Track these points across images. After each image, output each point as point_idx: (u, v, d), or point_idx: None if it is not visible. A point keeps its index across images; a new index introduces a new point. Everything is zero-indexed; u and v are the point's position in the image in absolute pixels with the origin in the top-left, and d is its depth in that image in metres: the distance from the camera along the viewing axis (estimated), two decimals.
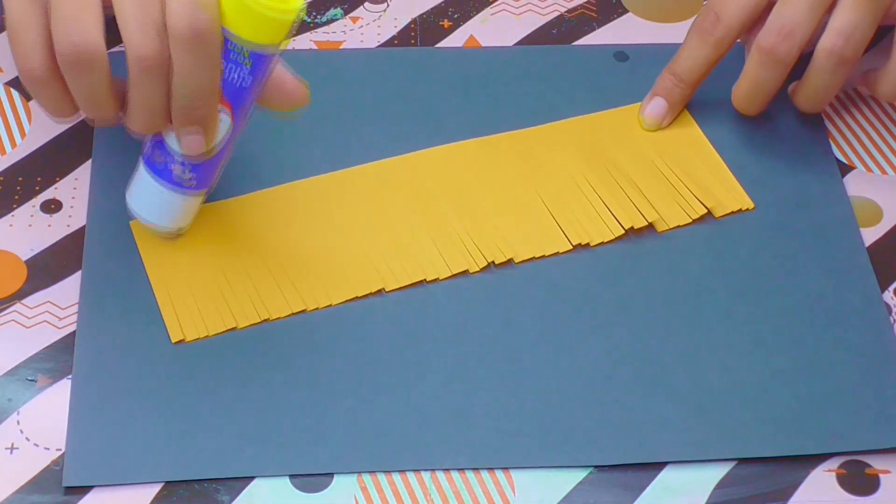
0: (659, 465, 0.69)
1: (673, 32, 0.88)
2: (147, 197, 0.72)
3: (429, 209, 0.77)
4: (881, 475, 0.69)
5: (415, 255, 0.75)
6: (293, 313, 0.73)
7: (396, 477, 0.69)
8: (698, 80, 0.81)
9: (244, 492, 0.68)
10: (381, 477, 0.68)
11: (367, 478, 0.68)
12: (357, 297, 0.74)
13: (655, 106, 0.82)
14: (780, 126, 0.82)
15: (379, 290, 0.74)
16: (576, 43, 0.87)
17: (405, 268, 0.75)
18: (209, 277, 0.74)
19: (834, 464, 0.70)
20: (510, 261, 0.76)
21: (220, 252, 0.75)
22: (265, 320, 0.72)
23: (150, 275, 0.74)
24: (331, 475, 0.68)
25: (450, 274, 0.75)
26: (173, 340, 0.72)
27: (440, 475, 0.69)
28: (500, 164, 0.79)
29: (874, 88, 0.80)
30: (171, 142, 0.70)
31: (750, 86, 0.79)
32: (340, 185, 0.78)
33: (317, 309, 0.73)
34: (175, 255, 0.75)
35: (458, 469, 0.69)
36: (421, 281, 0.74)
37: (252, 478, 0.68)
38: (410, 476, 0.69)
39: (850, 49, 0.76)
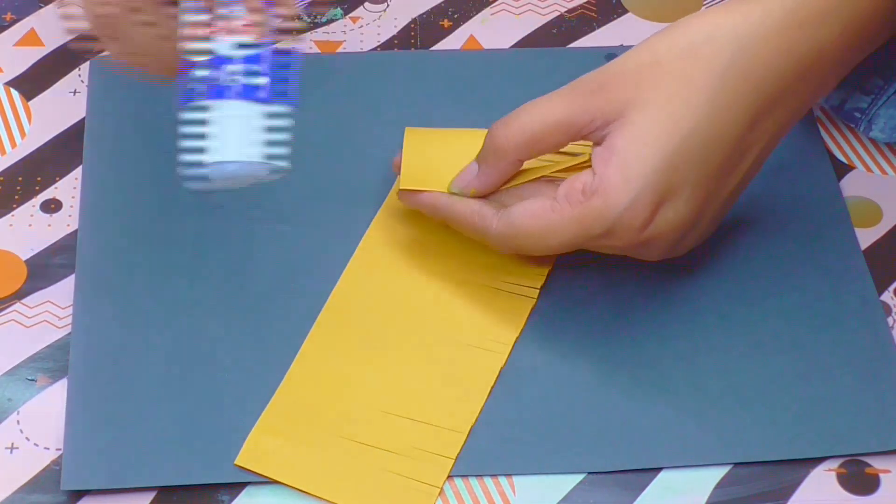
0: (659, 467, 0.69)
1: None
2: (234, 130, 0.66)
3: (408, 339, 0.73)
4: (881, 475, 0.69)
5: (453, 386, 0.72)
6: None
7: None
8: None
9: (244, 491, 0.68)
10: None
11: None
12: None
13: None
14: None
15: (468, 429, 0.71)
16: (576, 43, 0.87)
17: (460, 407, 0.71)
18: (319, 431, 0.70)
19: (834, 463, 0.70)
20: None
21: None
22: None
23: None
24: None
25: (494, 380, 0.72)
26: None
27: None
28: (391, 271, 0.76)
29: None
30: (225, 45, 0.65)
31: None
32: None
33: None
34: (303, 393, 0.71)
35: (459, 476, 0.69)
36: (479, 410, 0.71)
37: None
38: None
39: None
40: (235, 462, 0.68)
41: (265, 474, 0.68)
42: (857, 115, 0.81)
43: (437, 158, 0.74)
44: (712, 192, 0.69)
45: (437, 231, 0.75)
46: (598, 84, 0.69)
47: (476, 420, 0.70)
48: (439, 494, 0.68)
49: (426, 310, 0.74)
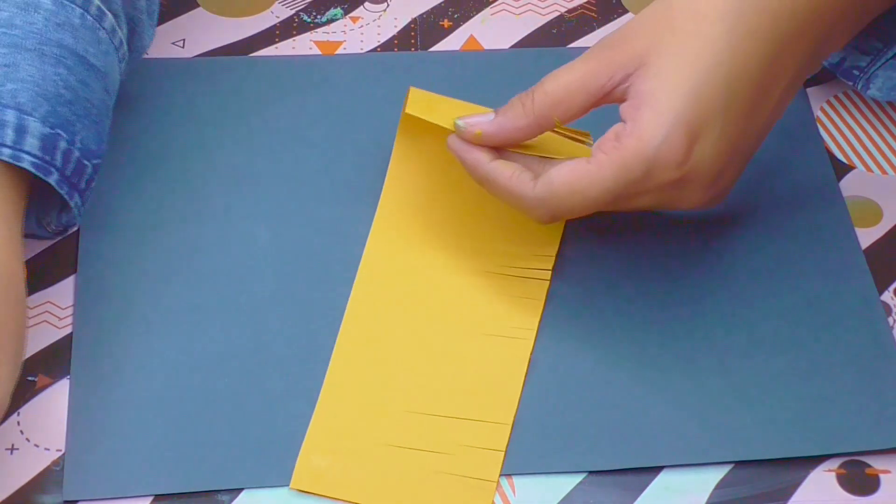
0: (659, 466, 0.69)
1: None
2: None
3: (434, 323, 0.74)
4: (881, 475, 0.69)
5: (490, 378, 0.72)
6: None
7: None
8: None
9: (244, 491, 0.68)
10: None
11: None
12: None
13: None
14: (775, 128, 0.82)
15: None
16: (576, 43, 0.88)
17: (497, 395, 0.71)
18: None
19: (834, 464, 0.70)
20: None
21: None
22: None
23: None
24: None
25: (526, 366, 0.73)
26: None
27: None
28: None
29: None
30: None
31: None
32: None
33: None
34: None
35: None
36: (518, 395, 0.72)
37: None
38: None
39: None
40: (290, 486, 0.67)
41: (322, 494, 0.67)
42: (856, 73, 0.82)
43: (443, 105, 0.75)
44: (742, 129, 0.69)
45: (439, 223, 0.76)
46: (614, 40, 0.70)
47: (517, 410, 0.70)
48: (497, 488, 0.68)
49: (444, 306, 0.74)
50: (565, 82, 0.70)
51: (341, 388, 0.71)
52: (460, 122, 0.72)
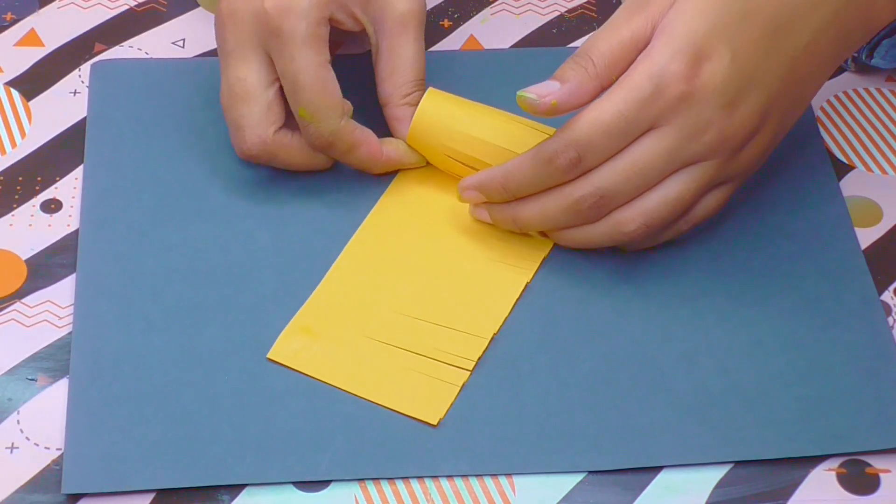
0: (659, 466, 0.69)
1: None
2: None
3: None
4: (881, 475, 0.69)
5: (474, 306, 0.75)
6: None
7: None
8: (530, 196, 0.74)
9: (244, 491, 0.68)
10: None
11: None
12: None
13: (473, 195, 0.76)
14: None
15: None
16: (576, 43, 0.87)
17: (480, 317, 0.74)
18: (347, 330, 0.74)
19: (834, 463, 0.70)
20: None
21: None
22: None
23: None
24: None
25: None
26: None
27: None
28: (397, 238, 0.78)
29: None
30: None
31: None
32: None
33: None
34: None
35: (459, 476, 0.69)
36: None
37: None
38: (411, 477, 0.69)
39: (641, 234, 0.73)
40: (267, 356, 0.71)
41: (295, 368, 0.71)
42: None
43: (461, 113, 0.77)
44: (757, 63, 0.70)
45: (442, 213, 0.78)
46: None
47: (500, 329, 0.73)
48: (459, 392, 0.71)
49: (454, 236, 0.77)
50: (618, 41, 0.71)
51: (338, 284, 0.75)
52: (530, 95, 0.72)
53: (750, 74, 0.70)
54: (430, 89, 0.77)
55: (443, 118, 0.77)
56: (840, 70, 0.86)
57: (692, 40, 0.69)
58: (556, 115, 0.71)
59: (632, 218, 0.72)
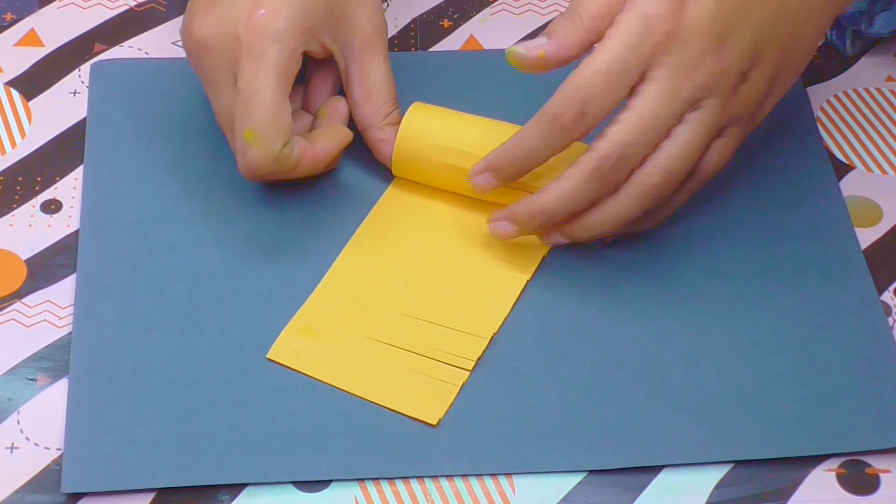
0: (659, 466, 0.69)
1: None
2: None
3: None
4: (881, 475, 0.69)
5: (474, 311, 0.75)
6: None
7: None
8: (539, 164, 0.74)
9: (244, 491, 0.68)
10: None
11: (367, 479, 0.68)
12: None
13: (486, 179, 0.74)
14: (774, 127, 0.82)
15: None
16: None
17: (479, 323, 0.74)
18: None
19: (834, 463, 0.69)
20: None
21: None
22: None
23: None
24: None
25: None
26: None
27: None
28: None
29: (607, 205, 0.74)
30: None
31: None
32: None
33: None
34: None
35: (459, 476, 0.69)
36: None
37: None
38: (411, 477, 0.69)
39: (663, 188, 0.72)
40: (267, 356, 0.72)
41: (294, 368, 0.71)
42: (858, 15, 0.84)
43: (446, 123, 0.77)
44: (740, 3, 0.70)
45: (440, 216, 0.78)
46: None
47: (499, 329, 0.73)
48: (458, 392, 0.71)
49: (453, 236, 0.77)
50: (594, 6, 0.71)
51: (338, 284, 0.75)
52: (519, 49, 0.71)
53: (738, 9, 0.70)
54: (413, 105, 0.77)
55: (426, 132, 0.77)
56: (842, 63, 0.86)
57: None
58: (546, 70, 0.71)
59: (651, 172, 0.71)
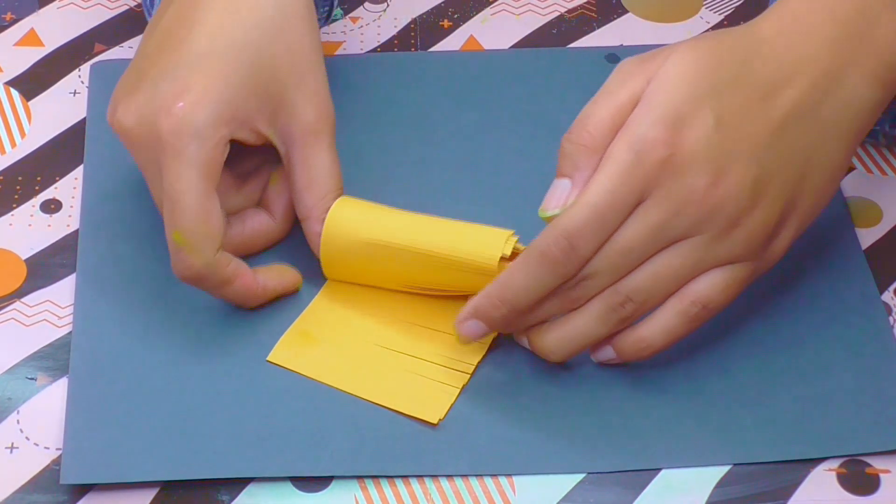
0: (659, 467, 0.69)
1: (672, 33, 0.88)
2: None
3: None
4: (881, 475, 0.69)
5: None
6: None
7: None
8: (533, 306, 0.69)
9: (244, 491, 0.68)
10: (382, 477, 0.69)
11: (367, 478, 0.68)
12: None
13: (473, 327, 0.70)
14: None
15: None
16: (576, 43, 0.88)
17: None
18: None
19: (834, 463, 0.69)
20: None
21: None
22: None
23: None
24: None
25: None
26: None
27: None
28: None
29: (625, 336, 0.70)
30: None
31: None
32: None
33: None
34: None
35: (459, 476, 0.69)
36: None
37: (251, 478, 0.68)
38: (411, 476, 0.69)
39: (632, 313, 0.68)
40: (268, 359, 0.71)
41: (294, 370, 0.71)
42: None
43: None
44: (740, 127, 0.67)
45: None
46: (642, 56, 0.69)
47: (498, 334, 0.72)
48: (459, 393, 0.71)
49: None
50: (616, 101, 0.68)
51: (339, 289, 0.75)
52: (553, 212, 0.68)
53: (735, 140, 0.67)
54: (338, 201, 0.73)
55: (351, 228, 0.73)
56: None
57: (673, 106, 0.66)
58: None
59: (616, 291, 0.68)
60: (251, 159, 0.75)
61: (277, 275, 0.74)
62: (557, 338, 0.70)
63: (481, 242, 0.71)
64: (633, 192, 0.66)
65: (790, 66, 0.69)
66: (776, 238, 0.69)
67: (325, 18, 0.81)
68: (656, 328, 0.69)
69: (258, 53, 0.71)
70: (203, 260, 0.69)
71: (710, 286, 0.68)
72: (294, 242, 0.76)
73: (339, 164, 0.74)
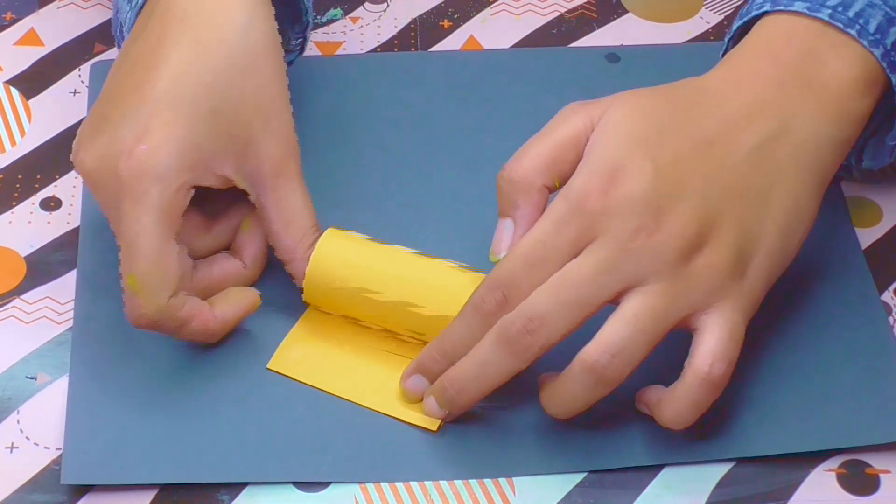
0: (659, 465, 0.69)
1: (673, 33, 0.88)
2: None
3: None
4: (881, 475, 0.69)
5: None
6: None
7: None
8: None
9: (244, 491, 0.68)
10: None
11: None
12: None
13: (416, 382, 0.70)
14: None
15: None
16: (576, 43, 0.88)
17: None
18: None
19: (834, 463, 0.69)
20: None
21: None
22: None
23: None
24: None
25: None
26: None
27: None
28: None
29: (656, 414, 0.68)
30: None
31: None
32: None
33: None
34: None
35: (460, 479, 0.69)
36: None
37: None
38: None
39: (614, 370, 0.66)
40: (267, 366, 0.71)
41: (294, 377, 0.71)
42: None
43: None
44: (686, 172, 0.67)
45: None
46: (586, 101, 0.70)
47: None
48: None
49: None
50: (554, 140, 0.69)
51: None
52: (500, 253, 0.69)
53: (678, 183, 0.67)
54: (320, 243, 0.72)
55: (338, 265, 0.72)
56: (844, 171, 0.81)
57: (609, 158, 0.67)
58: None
59: (594, 348, 0.66)
60: (221, 199, 0.74)
61: (235, 301, 0.72)
62: (550, 402, 0.69)
63: (450, 295, 0.70)
64: (568, 241, 0.66)
65: (738, 111, 0.69)
66: (745, 277, 0.68)
67: (300, 51, 0.80)
68: (681, 400, 0.67)
69: (223, 95, 0.70)
70: (155, 306, 0.68)
71: (717, 340, 0.67)
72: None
73: (310, 198, 0.73)
